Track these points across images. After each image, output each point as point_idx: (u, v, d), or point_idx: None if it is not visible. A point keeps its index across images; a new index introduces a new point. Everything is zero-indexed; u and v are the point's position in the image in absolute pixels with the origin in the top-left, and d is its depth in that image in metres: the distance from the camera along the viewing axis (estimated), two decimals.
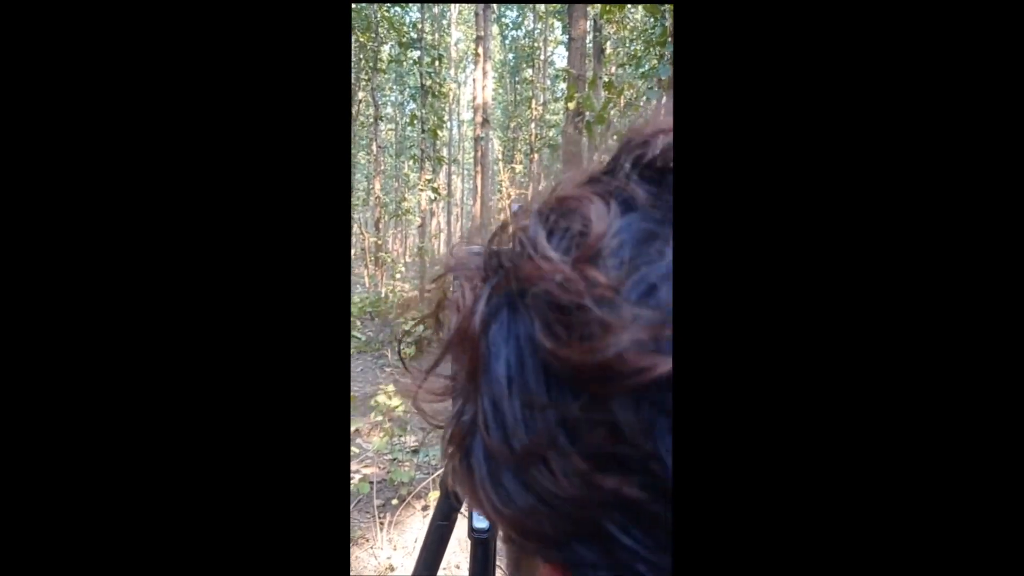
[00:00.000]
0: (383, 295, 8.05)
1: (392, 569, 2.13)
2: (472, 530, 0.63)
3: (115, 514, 0.31)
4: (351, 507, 2.58)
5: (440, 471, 2.61)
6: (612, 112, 4.19)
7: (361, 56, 10.62)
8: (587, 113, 5.06)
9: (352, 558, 2.19)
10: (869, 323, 0.26)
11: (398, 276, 8.83)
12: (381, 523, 2.40)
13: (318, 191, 0.34)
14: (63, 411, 0.31)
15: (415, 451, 3.10)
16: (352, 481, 2.80)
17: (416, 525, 2.46)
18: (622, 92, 3.82)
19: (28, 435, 0.30)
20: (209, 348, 0.31)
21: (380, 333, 6.72)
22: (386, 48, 10.83)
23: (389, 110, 15.25)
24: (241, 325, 0.32)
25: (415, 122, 8.72)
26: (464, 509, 0.64)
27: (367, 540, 2.33)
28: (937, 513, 0.25)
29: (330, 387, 0.34)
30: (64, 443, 0.31)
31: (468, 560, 0.64)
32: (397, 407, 2.95)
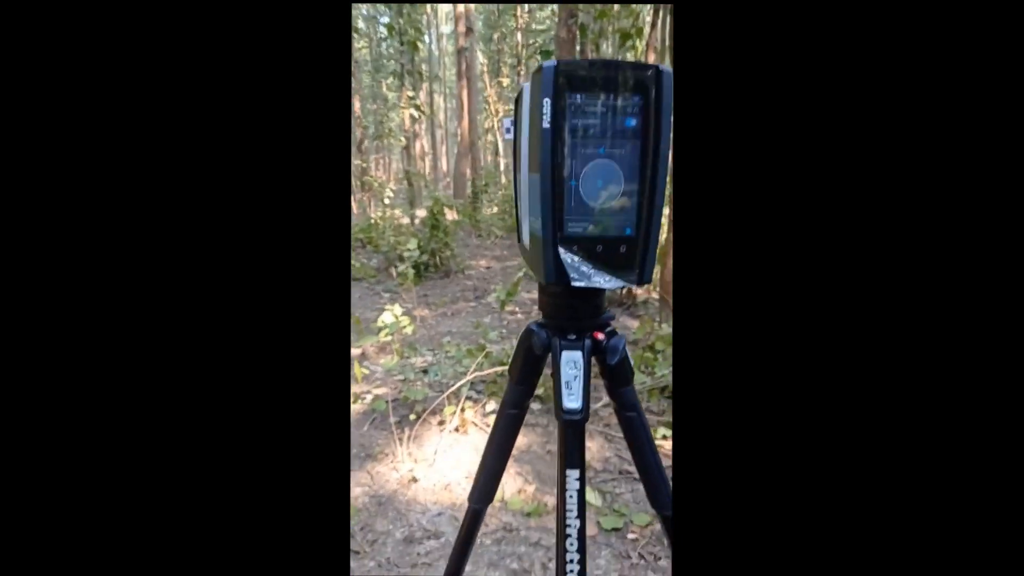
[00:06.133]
0: (372, 221, 7.84)
1: (415, 480, 2.15)
2: (563, 412, 0.57)
3: (111, 492, 0.32)
4: (368, 426, 2.59)
5: (452, 388, 2.62)
6: (614, 7, 3.88)
7: None
8: (581, 13, 4.69)
9: (374, 473, 2.21)
10: (870, 332, 0.26)
11: (386, 201, 8.56)
12: (400, 439, 2.41)
13: (318, 188, 0.35)
14: (49, 371, 0.31)
15: (424, 371, 3.09)
16: (366, 400, 2.80)
17: (433, 439, 2.47)
18: None
19: (26, 429, 0.30)
20: (207, 338, 0.34)
21: (372, 259, 6.61)
22: None
23: (361, 24, 14.26)
24: (243, 321, 0.34)
25: (393, 34, 8.11)
26: (542, 393, 0.57)
27: (386, 455, 2.34)
28: (936, 514, 0.26)
29: (330, 383, 0.37)
30: (54, 413, 0.30)
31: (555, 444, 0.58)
32: (406, 326, 2.90)
